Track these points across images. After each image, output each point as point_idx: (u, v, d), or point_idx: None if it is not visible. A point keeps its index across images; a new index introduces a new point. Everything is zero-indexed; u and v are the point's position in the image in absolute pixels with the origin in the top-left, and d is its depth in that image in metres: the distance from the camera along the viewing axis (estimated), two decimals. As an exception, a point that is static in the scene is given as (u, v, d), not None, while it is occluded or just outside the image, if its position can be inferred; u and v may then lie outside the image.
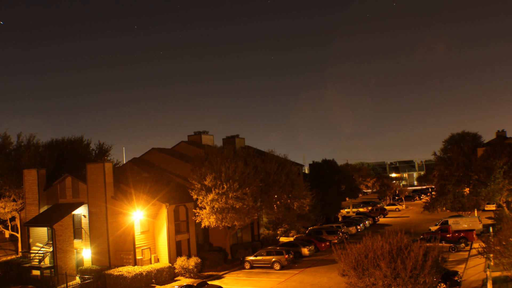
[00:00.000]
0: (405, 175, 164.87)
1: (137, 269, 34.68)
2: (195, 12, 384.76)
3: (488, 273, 27.60)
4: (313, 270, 38.34)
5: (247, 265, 40.61)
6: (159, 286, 34.70)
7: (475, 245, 40.02)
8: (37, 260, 37.45)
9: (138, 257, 37.02)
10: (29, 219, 40.17)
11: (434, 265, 20.86)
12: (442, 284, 27.68)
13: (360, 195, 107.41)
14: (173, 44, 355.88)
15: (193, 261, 37.65)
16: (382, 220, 72.01)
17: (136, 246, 37.09)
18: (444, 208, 56.58)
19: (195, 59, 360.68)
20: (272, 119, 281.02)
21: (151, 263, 37.65)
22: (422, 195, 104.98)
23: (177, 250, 39.73)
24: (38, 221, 39.17)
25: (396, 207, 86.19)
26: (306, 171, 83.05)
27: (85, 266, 37.34)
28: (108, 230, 37.40)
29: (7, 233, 50.93)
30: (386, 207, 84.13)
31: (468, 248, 42.74)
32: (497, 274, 29.03)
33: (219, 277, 37.50)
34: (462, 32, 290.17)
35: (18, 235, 44.75)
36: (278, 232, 53.19)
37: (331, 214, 66.88)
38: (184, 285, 31.27)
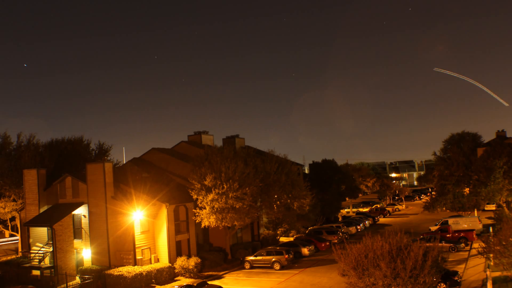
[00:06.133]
0: (405, 175, 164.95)
1: (137, 269, 34.68)
2: (196, 14, 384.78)
3: (488, 273, 27.62)
4: (313, 270, 38.35)
5: (247, 265, 40.62)
6: (159, 286, 34.70)
7: (475, 245, 40.02)
8: (37, 260, 37.45)
9: (138, 257, 37.02)
10: (29, 219, 40.16)
11: (434, 265, 20.87)
12: (442, 284, 27.70)
13: (360, 195, 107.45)
14: (174, 45, 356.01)
15: (193, 261, 37.66)
16: (382, 220, 72.03)
17: (136, 246, 37.09)
18: (444, 208, 56.59)
19: (196, 60, 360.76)
20: (272, 119, 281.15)
21: (151, 263, 37.65)
22: (422, 195, 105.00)
23: (177, 250, 39.73)
24: (38, 221, 39.16)
25: (396, 207, 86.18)
26: (306, 171, 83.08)
27: (85, 266, 37.34)
28: (108, 230, 37.40)
29: (7, 233, 50.93)
30: (386, 207, 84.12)
31: (468, 248, 42.74)
32: (497, 274, 29.05)
33: (219, 277, 37.51)
34: (462, 32, 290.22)
35: (18, 235, 44.74)
36: (278, 232, 53.19)
37: (331, 214, 66.88)
38: (184, 285, 31.29)
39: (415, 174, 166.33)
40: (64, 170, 43.41)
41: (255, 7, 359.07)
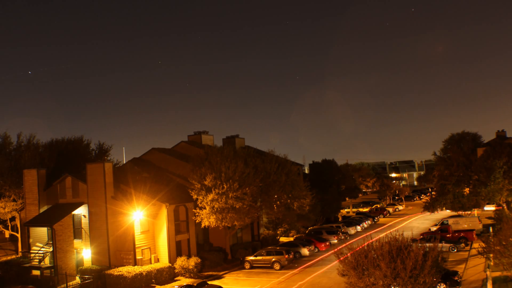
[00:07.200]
0: (405, 175, 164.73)
1: (137, 269, 34.67)
2: (198, 19, 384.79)
3: (488, 273, 27.60)
4: (313, 270, 38.34)
5: (247, 265, 40.61)
6: (159, 286, 34.69)
7: (475, 245, 40.01)
8: (37, 260, 37.44)
9: (138, 257, 37.01)
10: (29, 219, 40.15)
11: (434, 265, 20.85)
12: (442, 284, 27.68)
13: (360, 195, 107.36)
14: (177, 48, 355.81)
15: (193, 261, 37.66)
16: (382, 220, 72.01)
17: (136, 246, 37.08)
18: (444, 208, 56.58)
19: (198, 62, 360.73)
20: (273, 119, 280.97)
21: (151, 263, 37.64)
22: (422, 195, 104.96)
23: (177, 250, 39.72)
24: (38, 221, 39.16)
25: (396, 207, 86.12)
26: (306, 171, 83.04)
27: (85, 266, 37.33)
28: (108, 230, 37.39)
29: (7, 233, 50.91)
30: (386, 207, 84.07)
31: (468, 248, 42.72)
32: (497, 274, 29.03)
33: (219, 277, 37.50)
34: (462, 34, 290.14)
35: (18, 235, 44.72)
36: (278, 232, 53.18)
37: (331, 214, 66.85)
38: (184, 285, 31.29)
39: (415, 174, 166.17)
40: (64, 170, 43.39)
41: (256, 12, 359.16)
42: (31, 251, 38.89)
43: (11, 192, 44.29)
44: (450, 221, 49.96)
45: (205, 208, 39.97)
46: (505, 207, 50.37)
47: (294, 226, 52.82)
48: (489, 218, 56.16)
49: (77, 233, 39.10)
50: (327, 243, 47.82)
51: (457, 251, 41.03)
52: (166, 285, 35.22)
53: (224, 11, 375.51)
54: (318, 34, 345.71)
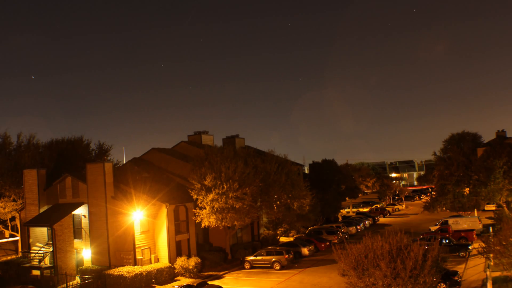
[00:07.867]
0: (405, 175, 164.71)
1: (137, 269, 34.69)
2: (197, 15, 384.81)
3: (488, 273, 27.61)
4: (313, 270, 38.36)
5: (247, 265, 40.63)
6: (159, 286, 34.71)
7: (475, 245, 40.02)
8: (37, 260, 37.44)
9: (138, 257, 37.03)
10: (29, 219, 40.15)
11: (434, 265, 20.86)
12: (442, 284, 27.70)
13: (360, 195, 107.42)
14: (175, 45, 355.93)
15: (193, 261, 37.68)
16: (382, 220, 72.05)
17: (136, 246, 37.10)
18: (444, 208, 56.59)
19: (196, 60, 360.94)
20: (273, 119, 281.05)
21: (151, 263, 37.66)
22: (422, 195, 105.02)
23: (177, 250, 39.74)
24: (38, 221, 39.16)
25: (396, 207, 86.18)
26: (306, 171, 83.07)
27: (85, 266, 37.35)
28: (108, 230, 37.40)
29: (7, 233, 50.93)
30: (386, 207, 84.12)
31: (468, 248, 42.68)
32: (497, 274, 29.05)
33: (219, 277, 37.52)
34: (462, 32, 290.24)
35: (18, 235, 44.74)
36: (278, 232, 53.20)
37: (331, 214, 66.89)
38: (184, 285, 31.30)
39: (415, 174, 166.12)
40: (64, 170, 43.39)
41: (255, 9, 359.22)
42: (31, 251, 38.90)
43: (11, 192, 44.29)
44: (450, 221, 50.00)
45: (205, 208, 39.99)
46: (505, 207, 50.37)
47: (294, 226, 52.88)
48: (489, 218, 56.23)
49: (77, 233, 39.10)
50: (327, 243, 47.84)
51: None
52: (166, 285, 35.24)
53: (223, 7, 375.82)
54: (318, 34, 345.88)
